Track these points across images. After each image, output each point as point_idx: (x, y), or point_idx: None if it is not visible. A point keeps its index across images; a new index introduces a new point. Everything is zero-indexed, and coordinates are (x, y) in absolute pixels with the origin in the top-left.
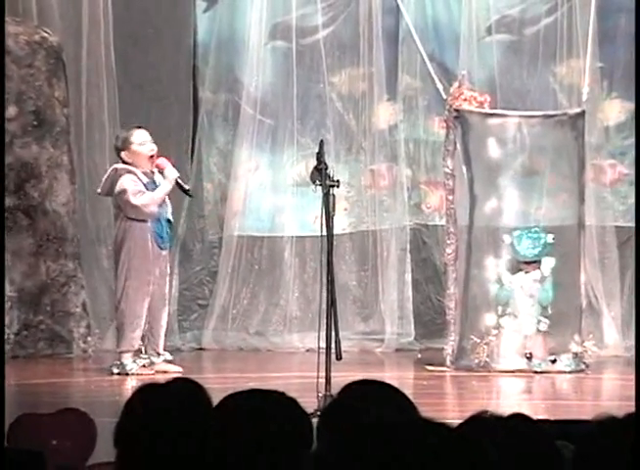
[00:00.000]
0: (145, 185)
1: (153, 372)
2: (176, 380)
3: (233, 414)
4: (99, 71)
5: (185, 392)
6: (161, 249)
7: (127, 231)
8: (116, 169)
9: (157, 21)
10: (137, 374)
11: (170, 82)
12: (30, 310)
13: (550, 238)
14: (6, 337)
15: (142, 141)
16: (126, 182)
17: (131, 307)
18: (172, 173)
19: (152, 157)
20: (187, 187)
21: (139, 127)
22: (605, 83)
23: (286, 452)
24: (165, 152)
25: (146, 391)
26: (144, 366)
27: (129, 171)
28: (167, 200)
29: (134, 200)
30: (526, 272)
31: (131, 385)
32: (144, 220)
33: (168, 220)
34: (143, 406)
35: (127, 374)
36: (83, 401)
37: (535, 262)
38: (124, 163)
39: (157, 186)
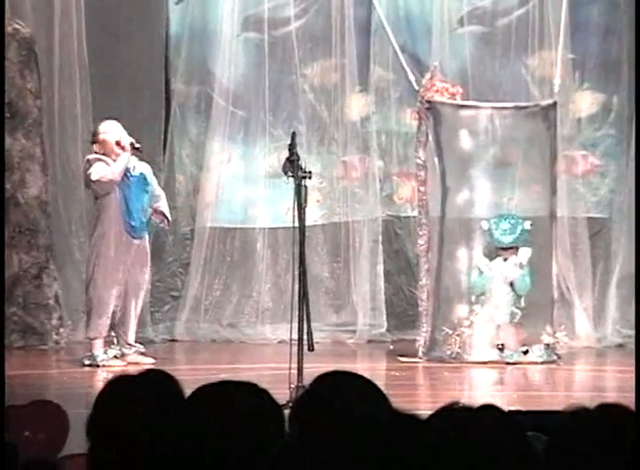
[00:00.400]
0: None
1: (125, 364)
2: (148, 371)
3: (204, 406)
4: (71, 63)
5: (157, 383)
6: (133, 237)
7: (98, 219)
8: (88, 160)
9: (129, 12)
10: (108, 365)
11: (143, 74)
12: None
13: (527, 225)
14: None
15: (107, 130)
16: (93, 166)
17: (98, 294)
18: (126, 140)
19: (118, 143)
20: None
21: (108, 119)
22: (577, 75)
23: (257, 444)
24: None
25: (118, 382)
26: (115, 357)
27: (99, 159)
28: (158, 189)
29: (94, 176)
30: (505, 259)
31: (103, 376)
32: (105, 197)
33: (162, 213)
34: (115, 398)
35: (98, 365)
36: (56, 393)
37: (513, 249)
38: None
39: (130, 174)
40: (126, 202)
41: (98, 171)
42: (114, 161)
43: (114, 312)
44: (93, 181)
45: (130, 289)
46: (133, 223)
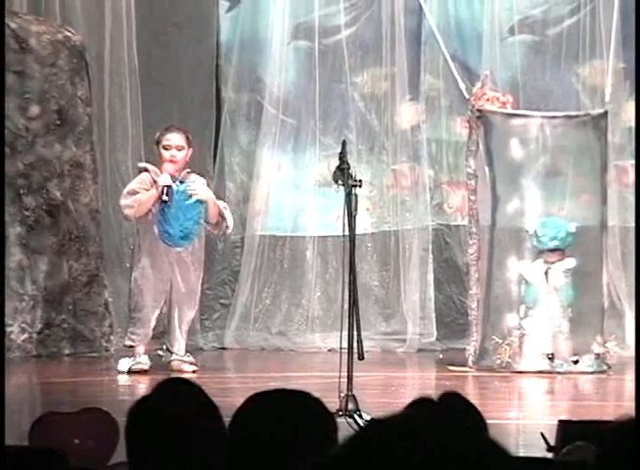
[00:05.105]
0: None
1: (144, 370)
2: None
3: (258, 414)
4: (122, 71)
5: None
6: (170, 246)
7: (138, 228)
8: (138, 168)
9: (179, 20)
10: (132, 373)
11: (193, 82)
12: (53, 310)
13: (572, 227)
14: (28, 336)
15: (167, 144)
16: (134, 181)
17: (135, 302)
18: (162, 180)
19: (172, 162)
20: (165, 198)
21: (177, 129)
22: (628, 84)
23: (312, 453)
24: None
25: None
26: (139, 363)
27: (146, 169)
28: (206, 200)
29: (121, 199)
30: (552, 263)
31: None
32: (147, 217)
33: (199, 221)
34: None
35: (129, 372)
36: (106, 401)
37: (559, 251)
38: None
39: (172, 190)
40: (163, 210)
41: (128, 192)
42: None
43: (159, 321)
44: (120, 204)
45: (174, 299)
46: (171, 231)
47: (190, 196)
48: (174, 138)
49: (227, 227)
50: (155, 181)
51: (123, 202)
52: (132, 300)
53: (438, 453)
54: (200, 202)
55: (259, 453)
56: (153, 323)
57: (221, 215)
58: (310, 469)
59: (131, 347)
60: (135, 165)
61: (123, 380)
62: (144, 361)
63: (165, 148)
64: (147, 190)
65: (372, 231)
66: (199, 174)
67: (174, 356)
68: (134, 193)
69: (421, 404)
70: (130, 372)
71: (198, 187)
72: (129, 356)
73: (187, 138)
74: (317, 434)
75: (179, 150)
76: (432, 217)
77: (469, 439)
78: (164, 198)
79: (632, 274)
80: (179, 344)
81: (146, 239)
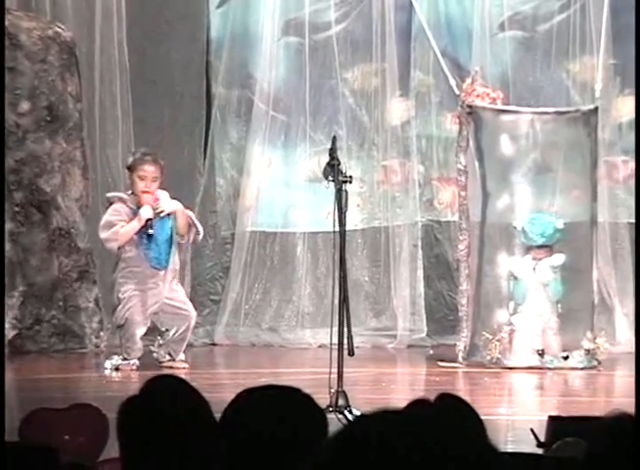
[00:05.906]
0: (133, 211)
1: (133, 368)
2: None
3: (249, 410)
4: (112, 67)
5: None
6: (159, 269)
7: (119, 256)
8: (108, 198)
9: (170, 16)
10: (120, 369)
11: (183, 78)
12: (43, 305)
13: (560, 223)
14: (18, 332)
15: (143, 175)
16: (108, 213)
17: (123, 319)
18: (145, 213)
19: (146, 192)
20: (151, 232)
21: (153, 160)
22: (618, 80)
23: (302, 449)
24: (178, 147)
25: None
26: (125, 359)
27: (120, 199)
28: (173, 220)
29: (100, 232)
30: (540, 259)
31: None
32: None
33: (173, 237)
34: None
35: (117, 369)
36: (95, 396)
37: (547, 247)
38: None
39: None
40: (146, 238)
41: (105, 225)
42: (137, 202)
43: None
44: (100, 238)
45: (166, 315)
46: (159, 256)
47: (161, 212)
48: (150, 170)
49: (198, 234)
50: (131, 210)
51: (103, 235)
52: (119, 316)
53: (438, 453)
54: (169, 215)
55: (250, 449)
56: (142, 334)
57: (190, 223)
58: (308, 468)
59: (126, 359)
60: (125, 162)
61: (113, 376)
62: (133, 363)
63: (140, 178)
64: (124, 221)
65: (362, 227)
66: (188, 171)
67: (168, 357)
68: (112, 225)
69: (419, 405)
70: (118, 369)
71: (163, 203)
72: (118, 354)
73: (161, 169)
74: (308, 430)
75: (154, 181)
76: (422, 213)
77: (468, 439)
78: (151, 232)
79: (622, 270)
80: (176, 354)
81: (129, 265)
